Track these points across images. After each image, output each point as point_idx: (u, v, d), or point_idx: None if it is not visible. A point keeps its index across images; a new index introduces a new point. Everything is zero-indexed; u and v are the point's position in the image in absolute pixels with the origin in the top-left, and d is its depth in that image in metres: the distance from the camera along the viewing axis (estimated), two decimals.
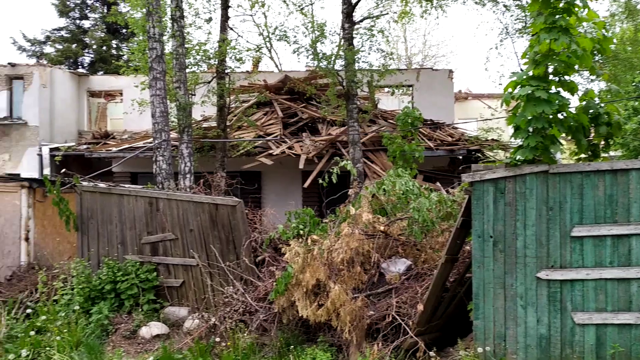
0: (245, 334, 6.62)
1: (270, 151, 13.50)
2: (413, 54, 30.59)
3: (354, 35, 12.07)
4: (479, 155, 13.46)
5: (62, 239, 9.88)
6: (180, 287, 8.15)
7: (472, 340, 5.84)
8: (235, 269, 7.77)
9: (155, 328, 7.38)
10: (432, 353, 5.83)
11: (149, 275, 8.03)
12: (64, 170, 8.93)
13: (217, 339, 6.71)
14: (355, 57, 11.82)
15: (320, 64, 11.95)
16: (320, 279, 6.31)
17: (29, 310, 7.86)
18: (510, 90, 5.79)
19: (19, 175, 14.69)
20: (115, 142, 16.27)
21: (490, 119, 13.99)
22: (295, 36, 11.83)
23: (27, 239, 9.70)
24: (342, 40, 12.07)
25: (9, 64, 16.61)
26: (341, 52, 11.92)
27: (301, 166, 12.94)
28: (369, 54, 15.85)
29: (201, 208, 8.15)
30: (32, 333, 6.95)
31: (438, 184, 10.25)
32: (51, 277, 8.30)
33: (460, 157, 14.09)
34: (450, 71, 17.18)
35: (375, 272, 6.75)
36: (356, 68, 11.93)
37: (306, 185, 12.85)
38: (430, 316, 6.20)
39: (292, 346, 6.38)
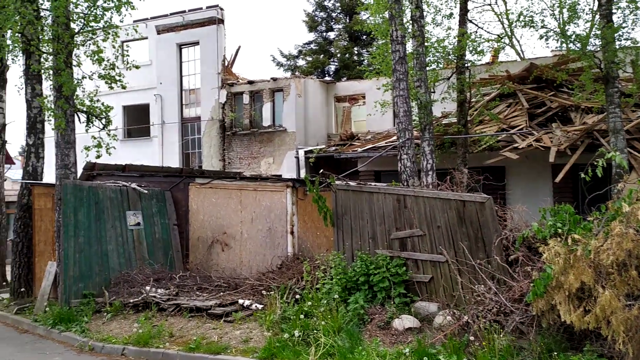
0: (500, 335, 6.39)
1: (515, 145, 12.81)
2: None
3: (614, 11, 10.69)
4: None
5: (320, 233, 10.90)
6: (429, 282, 8.25)
7: None
8: (485, 267, 7.56)
9: (407, 321, 7.60)
10: None
11: (399, 270, 8.31)
12: (321, 170, 9.80)
13: (471, 338, 6.62)
14: (616, 34, 10.46)
15: (573, 47, 10.89)
16: (585, 282, 5.75)
17: (297, 296, 8.84)
18: None
19: (280, 176, 16.75)
20: (359, 142, 17.33)
21: None
22: (542, 20, 10.99)
23: (292, 233, 10.94)
24: (598, 17, 10.80)
25: (271, 78, 19.04)
26: (597, 31, 10.68)
27: (551, 159, 11.98)
28: (633, 29, 13.91)
29: (448, 205, 8.13)
30: (302, 316, 7.80)
31: None
32: (313, 267, 9.22)
33: None
34: None
35: None
36: (617, 47, 10.56)
37: (558, 179, 11.85)
38: None
39: (554, 353, 5.94)
